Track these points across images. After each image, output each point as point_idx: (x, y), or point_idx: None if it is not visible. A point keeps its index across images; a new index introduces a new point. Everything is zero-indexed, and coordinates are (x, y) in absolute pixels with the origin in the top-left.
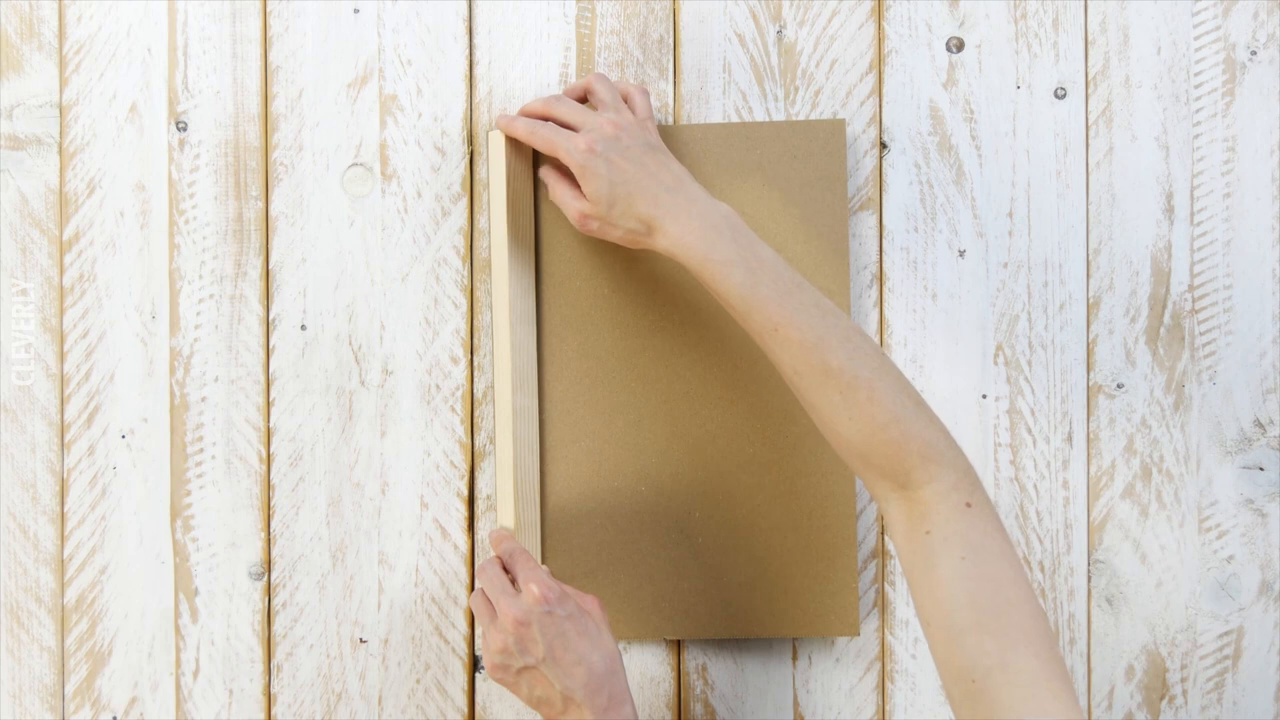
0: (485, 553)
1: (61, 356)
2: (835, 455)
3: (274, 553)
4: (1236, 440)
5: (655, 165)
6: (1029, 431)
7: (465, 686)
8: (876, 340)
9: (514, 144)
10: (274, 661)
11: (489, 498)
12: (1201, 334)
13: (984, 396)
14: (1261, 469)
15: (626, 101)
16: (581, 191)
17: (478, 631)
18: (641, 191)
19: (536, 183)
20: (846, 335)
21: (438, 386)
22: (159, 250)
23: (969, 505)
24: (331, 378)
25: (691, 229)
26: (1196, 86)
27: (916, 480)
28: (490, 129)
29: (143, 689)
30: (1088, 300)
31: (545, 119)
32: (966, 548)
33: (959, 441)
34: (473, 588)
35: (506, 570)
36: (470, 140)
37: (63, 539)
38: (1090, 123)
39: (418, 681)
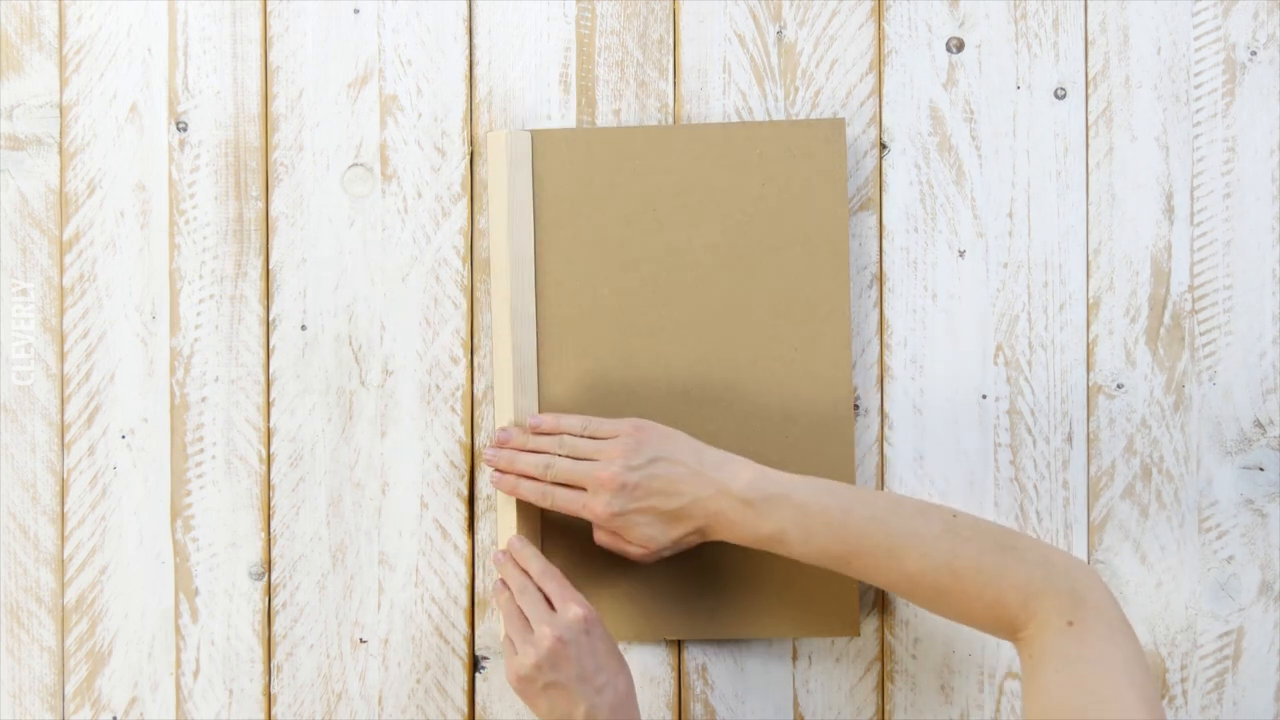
0: (486, 553)
1: (61, 356)
2: (835, 456)
3: (274, 553)
4: (1236, 440)
5: (666, 484)
6: (1029, 431)
7: (465, 686)
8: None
9: (513, 147)
10: (274, 661)
11: (489, 498)
12: (1201, 334)
13: (984, 396)
14: (1261, 469)
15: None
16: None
17: (478, 631)
18: (673, 517)
19: (536, 183)
20: (913, 530)
21: (438, 386)
22: (159, 250)
23: (1070, 624)
24: (331, 378)
25: (730, 523)
26: (1196, 86)
27: (1022, 622)
28: (490, 129)
29: (143, 689)
30: (1088, 300)
31: (532, 455)
32: (1063, 659)
33: (957, 448)
34: (473, 588)
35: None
36: (470, 140)
37: (63, 539)
38: (1090, 123)
39: (418, 681)
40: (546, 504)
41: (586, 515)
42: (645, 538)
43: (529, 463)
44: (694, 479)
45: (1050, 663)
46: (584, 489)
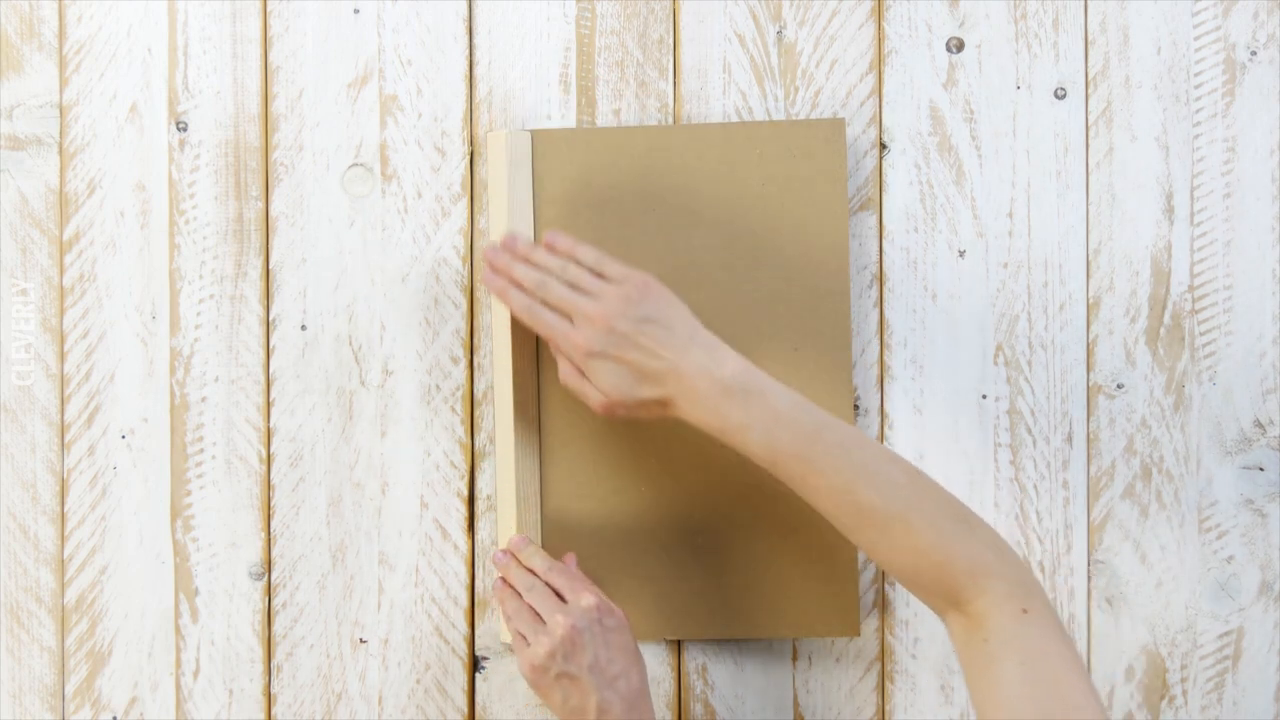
0: (486, 553)
1: (61, 356)
2: None
3: (274, 553)
4: (1236, 440)
5: (653, 343)
6: (1029, 431)
7: (465, 686)
8: (883, 439)
9: (513, 147)
10: (274, 661)
11: (489, 498)
12: (1201, 334)
13: (984, 396)
14: (1261, 469)
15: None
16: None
17: (478, 631)
18: (647, 377)
19: (536, 183)
20: (875, 469)
21: (438, 386)
22: (159, 250)
23: (1025, 611)
24: (331, 378)
25: (701, 404)
26: (1196, 87)
27: (968, 596)
28: (490, 129)
29: (143, 689)
30: (1088, 300)
31: (533, 269)
32: (1025, 653)
33: (957, 448)
34: (473, 588)
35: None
36: (470, 140)
37: (63, 539)
38: (1090, 123)
39: (418, 681)
40: (527, 319)
41: (563, 345)
42: (610, 386)
43: (526, 275)
44: (682, 350)
45: (1013, 655)
46: (570, 320)
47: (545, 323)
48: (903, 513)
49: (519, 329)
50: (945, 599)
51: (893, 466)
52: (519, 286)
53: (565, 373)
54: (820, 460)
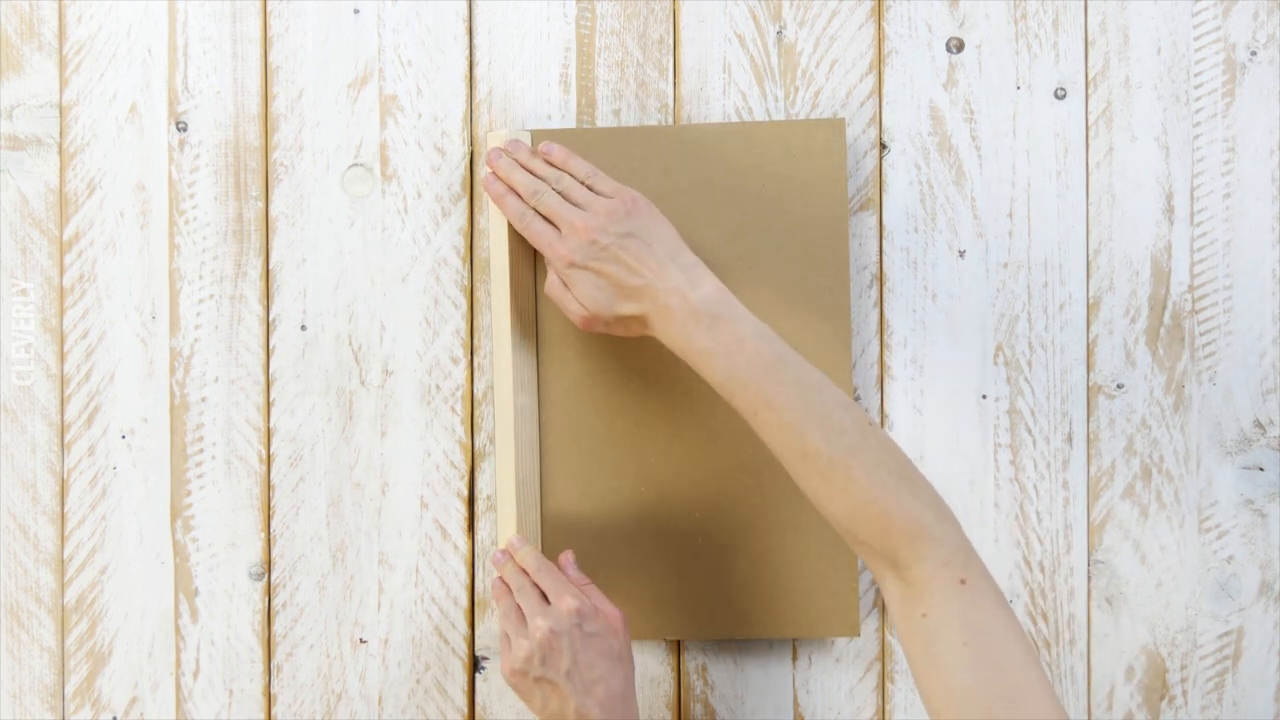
0: (486, 553)
1: (61, 356)
2: None
3: (274, 553)
4: (1236, 440)
5: (633, 259)
6: (1029, 431)
7: (465, 686)
8: (866, 393)
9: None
10: (274, 662)
11: (489, 498)
12: (1201, 334)
13: (984, 396)
14: (1261, 469)
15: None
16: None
17: (478, 631)
18: (625, 293)
19: None
20: (826, 413)
21: (438, 386)
22: (159, 250)
23: (963, 582)
24: (331, 378)
25: (672, 322)
26: (1196, 87)
27: (905, 560)
28: (490, 129)
29: (143, 689)
30: (1088, 300)
31: (529, 176)
32: (967, 631)
33: (957, 448)
34: (473, 588)
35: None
36: (470, 140)
37: (63, 539)
38: (1090, 123)
39: (418, 681)
40: (519, 226)
41: (549, 254)
42: (591, 299)
43: (522, 181)
44: (659, 267)
45: (955, 634)
46: (558, 230)
47: (535, 231)
48: (844, 459)
49: (519, 326)
50: (884, 559)
51: (844, 413)
52: (515, 193)
53: (550, 283)
54: (774, 394)
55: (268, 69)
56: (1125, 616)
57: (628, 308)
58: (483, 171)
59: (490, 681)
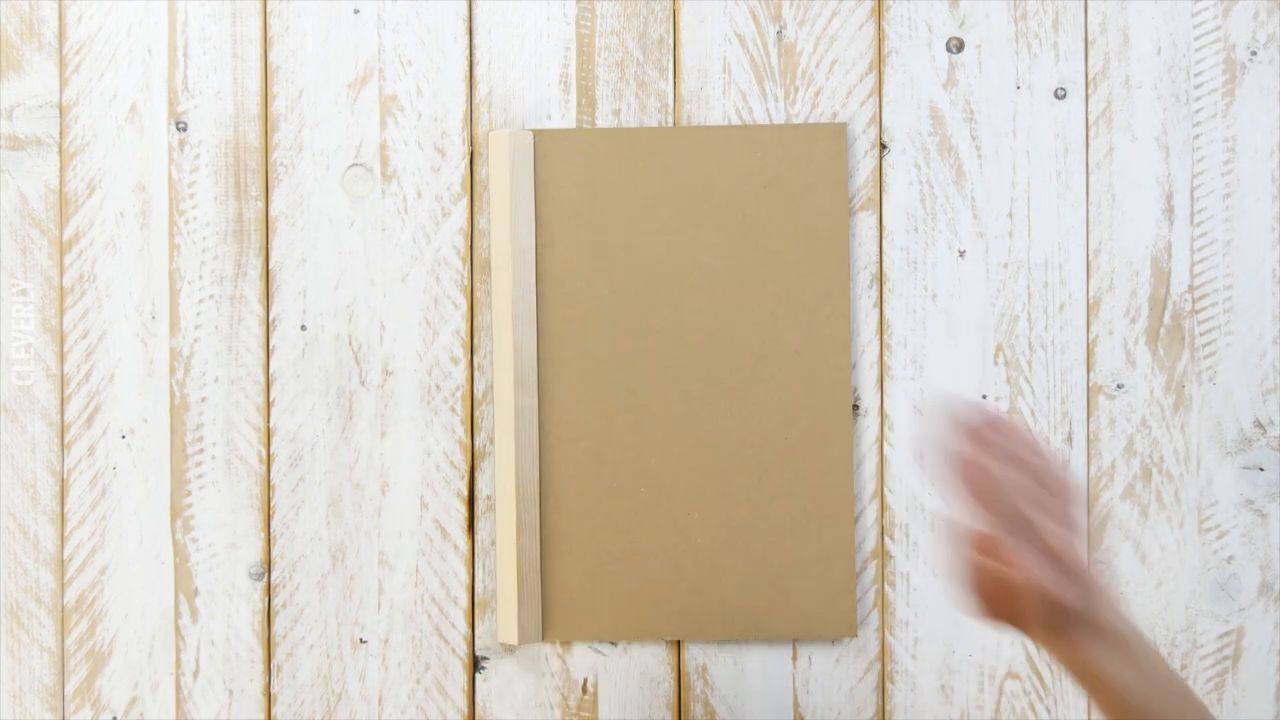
0: (486, 553)
1: (61, 356)
2: (835, 456)
3: (274, 553)
4: (1236, 440)
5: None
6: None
7: (465, 687)
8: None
9: (516, 146)
10: (274, 662)
11: (489, 498)
12: (1201, 334)
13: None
14: (1261, 469)
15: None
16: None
17: (478, 631)
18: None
19: (538, 183)
20: None
21: (438, 386)
22: (159, 250)
23: None
24: (331, 378)
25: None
26: (1196, 87)
27: None
28: (490, 129)
29: (143, 689)
30: (1088, 300)
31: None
32: None
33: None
34: (473, 588)
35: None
36: (470, 140)
37: (63, 539)
38: (1090, 123)
39: (418, 681)
40: (979, 508)
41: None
42: (1028, 567)
43: (992, 473)
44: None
45: None
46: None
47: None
48: None
49: (520, 326)
50: None
51: None
52: (983, 477)
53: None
54: None
55: (268, 69)
56: None
57: (1064, 594)
58: None
59: (490, 681)
